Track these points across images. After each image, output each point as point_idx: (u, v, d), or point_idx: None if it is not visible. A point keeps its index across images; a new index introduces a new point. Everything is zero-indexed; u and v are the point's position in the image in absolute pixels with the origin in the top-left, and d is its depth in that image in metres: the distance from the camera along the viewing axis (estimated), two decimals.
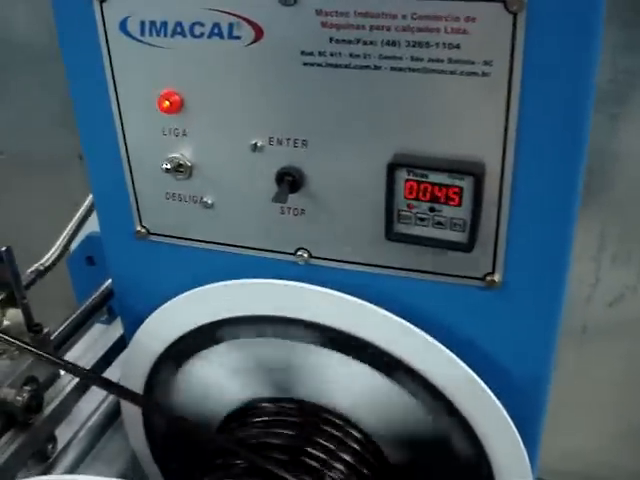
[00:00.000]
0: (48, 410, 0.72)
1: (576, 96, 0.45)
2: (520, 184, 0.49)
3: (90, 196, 0.88)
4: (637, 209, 1.69)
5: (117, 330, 0.88)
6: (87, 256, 0.93)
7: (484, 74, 0.46)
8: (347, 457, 0.57)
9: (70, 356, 0.88)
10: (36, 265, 0.82)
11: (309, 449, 0.56)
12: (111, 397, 0.81)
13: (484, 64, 0.45)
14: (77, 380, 0.76)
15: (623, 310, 1.84)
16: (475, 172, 0.48)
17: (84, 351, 0.88)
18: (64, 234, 0.88)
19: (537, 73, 0.45)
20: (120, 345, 0.87)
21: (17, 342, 0.64)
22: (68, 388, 0.76)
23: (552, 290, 0.52)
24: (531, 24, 0.43)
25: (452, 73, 0.46)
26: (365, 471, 0.57)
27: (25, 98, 2.15)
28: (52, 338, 0.81)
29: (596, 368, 1.93)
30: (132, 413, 0.72)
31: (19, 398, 0.67)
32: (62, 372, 0.76)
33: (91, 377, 0.70)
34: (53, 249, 0.86)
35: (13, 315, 0.70)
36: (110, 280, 0.88)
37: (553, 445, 2.13)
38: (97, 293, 0.87)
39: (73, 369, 0.66)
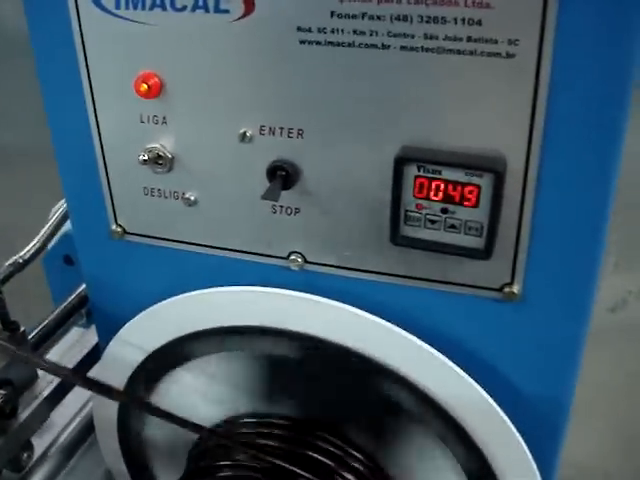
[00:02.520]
0: (23, 416, 0.68)
1: (614, 85, 0.39)
2: (546, 184, 0.42)
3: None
4: (638, 216, 1.65)
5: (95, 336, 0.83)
6: (64, 255, 0.86)
7: (509, 55, 0.39)
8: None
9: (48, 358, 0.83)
10: (14, 258, 0.77)
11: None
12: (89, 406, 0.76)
13: (509, 43, 0.39)
14: (55, 384, 0.72)
15: (625, 316, 1.80)
16: (495, 169, 0.42)
17: (60, 356, 0.83)
18: (45, 228, 0.82)
19: (571, 55, 0.38)
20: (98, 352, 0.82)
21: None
22: (45, 392, 0.71)
23: (578, 305, 0.46)
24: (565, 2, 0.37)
25: (472, 54, 0.40)
26: None
27: (10, 90, 2.11)
28: (33, 335, 0.76)
29: (597, 374, 1.88)
30: (106, 429, 0.65)
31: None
32: (39, 376, 0.72)
33: (72, 376, 0.64)
34: (32, 243, 0.80)
35: None
36: None
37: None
38: (75, 294, 0.82)
39: (53, 368, 0.60)
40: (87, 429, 0.76)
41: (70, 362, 0.79)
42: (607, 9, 0.37)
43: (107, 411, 0.63)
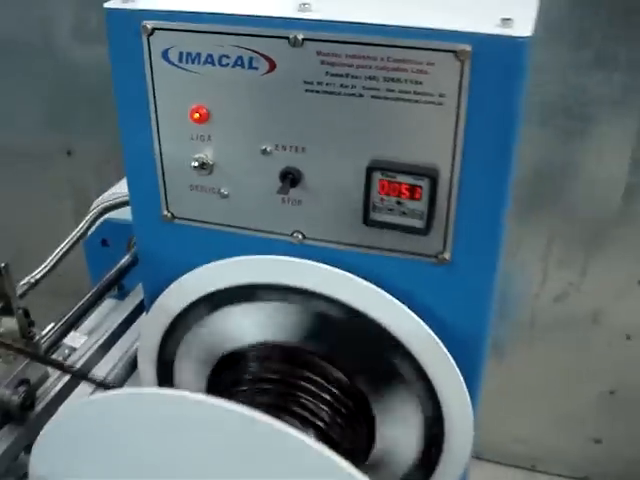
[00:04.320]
0: (40, 407, 0.82)
1: (505, 123, 0.62)
2: (464, 185, 0.65)
3: (86, 217, 1.00)
4: (581, 217, 1.88)
5: (127, 305, 1.04)
6: (102, 239, 1.07)
7: (439, 103, 0.62)
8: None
9: (85, 327, 1.03)
10: (27, 278, 0.90)
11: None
12: None
13: (439, 96, 0.62)
14: (66, 379, 0.85)
15: (567, 305, 2.03)
16: (432, 175, 0.65)
17: (97, 323, 1.04)
18: (57, 251, 0.95)
19: (477, 105, 0.61)
20: (129, 318, 1.02)
21: (17, 347, 0.76)
22: (57, 387, 0.85)
23: (488, 265, 0.69)
24: (474, 70, 0.60)
25: (416, 102, 0.63)
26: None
27: (15, 96, 2.28)
28: (76, 308, 0.96)
29: (544, 359, 2.12)
30: (147, 359, 0.87)
31: (14, 397, 0.78)
32: (50, 374, 0.85)
33: (78, 374, 0.83)
34: (45, 264, 0.93)
35: (8, 323, 0.80)
36: (123, 260, 1.04)
37: (504, 431, 2.33)
38: (112, 271, 1.03)
39: (65, 368, 0.81)
40: None
41: (107, 328, 1.00)
42: (499, 82, 0.60)
43: (151, 342, 0.84)
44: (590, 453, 2.24)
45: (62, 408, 0.76)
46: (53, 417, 0.65)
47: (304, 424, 0.71)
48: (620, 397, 2.15)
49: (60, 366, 0.84)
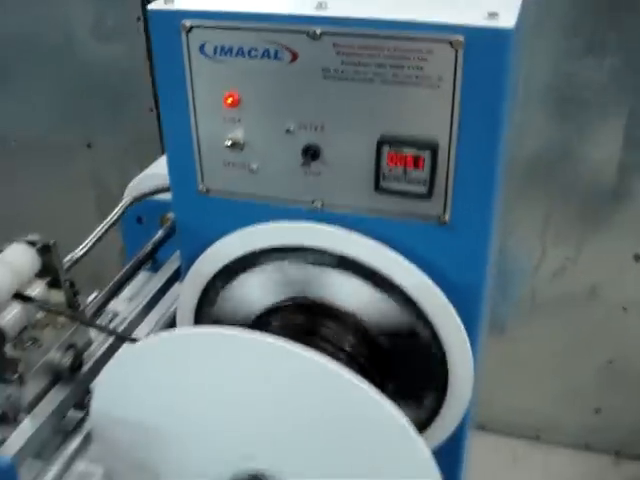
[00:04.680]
0: (86, 368, 0.89)
1: (493, 101, 0.73)
2: (460, 156, 0.77)
3: (119, 205, 1.08)
4: (577, 195, 1.99)
5: (162, 275, 1.15)
6: (137, 216, 1.19)
7: (438, 86, 0.74)
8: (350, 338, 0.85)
9: (124, 295, 1.14)
10: (70, 255, 0.97)
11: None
12: None
13: (438, 79, 0.73)
14: (109, 343, 0.92)
15: (565, 280, 2.14)
16: (432, 147, 0.76)
17: (134, 292, 1.15)
18: (95, 233, 1.03)
19: (470, 86, 0.73)
20: (164, 287, 1.13)
21: (69, 314, 0.86)
22: (101, 350, 0.92)
23: (482, 225, 0.80)
24: (466, 56, 0.71)
25: (417, 85, 0.74)
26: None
27: (37, 92, 2.39)
28: (117, 278, 1.07)
29: (544, 332, 2.24)
30: (186, 316, 0.98)
31: (64, 360, 0.84)
32: (94, 338, 0.93)
33: (121, 335, 0.92)
34: (84, 244, 1.00)
35: (56, 295, 0.87)
36: (156, 235, 1.15)
37: (507, 403, 2.45)
38: (147, 245, 1.14)
39: (109, 331, 0.91)
40: None
41: (144, 296, 1.11)
42: (488, 68, 0.71)
43: (188, 303, 0.96)
44: (590, 422, 2.35)
45: (122, 349, 0.86)
46: (113, 357, 0.76)
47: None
48: (618, 368, 2.26)
49: (104, 329, 0.94)
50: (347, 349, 0.85)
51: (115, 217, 1.06)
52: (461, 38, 0.71)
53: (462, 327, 0.84)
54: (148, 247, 1.13)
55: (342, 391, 0.69)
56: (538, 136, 1.94)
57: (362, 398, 0.68)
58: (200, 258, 0.92)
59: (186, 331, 0.75)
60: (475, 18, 0.71)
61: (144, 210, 1.17)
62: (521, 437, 2.44)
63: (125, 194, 1.18)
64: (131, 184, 1.20)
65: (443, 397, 0.91)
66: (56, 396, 0.84)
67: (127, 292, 1.13)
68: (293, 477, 0.74)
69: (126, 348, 0.78)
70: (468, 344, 0.86)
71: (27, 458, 0.78)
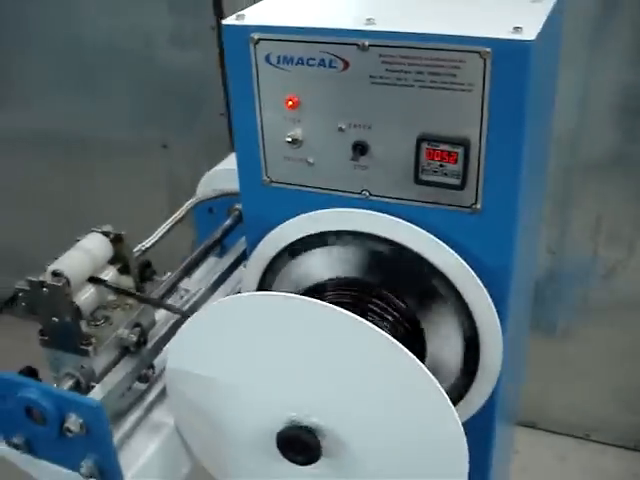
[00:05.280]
0: (150, 345, 1.00)
1: (517, 105, 0.84)
2: (490, 152, 0.87)
3: (187, 202, 1.22)
4: (629, 197, 2.04)
5: (228, 259, 1.28)
6: (209, 207, 1.33)
7: (469, 91, 0.85)
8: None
9: (195, 278, 1.28)
10: (139, 246, 1.09)
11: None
12: None
13: (469, 85, 0.84)
14: (171, 322, 1.04)
15: (617, 281, 2.19)
16: (465, 144, 0.87)
17: (203, 274, 1.28)
18: (162, 227, 1.15)
19: (497, 91, 0.84)
20: (229, 269, 1.26)
21: (137, 295, 0.99)
22: (164, 329, 1.04)
23: (510, 213, 0.91)
24: (493, 65, 0.82)
25: (451, 89, 0.85)
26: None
27: (120, 96, 2.58)
28: (188, 261, 1.20)
29: (597, 335, 2.29)
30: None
31: (131, 336, 0.96)
32: (157, 319, 1.04)
33: (182, 313, 1.04)
34: (152, 236, 1.12)
35: (126, 279, 1.01)
36: (225, 223, 1.29)
37: (558, 402, 2.51)
38: (216, 233, 1.27)
39: (172, 309, 1.04)
40: None
41: (211, 277, 1.24)
42: (513, 75, 0.82)
43: (251, 281, 1.09)
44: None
45: (199, 310, 0.98)
46: (190, 318, 0.89)
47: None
48: None
49: (169, 307, 1.06)
50: (390, 321, 0.97)
51: (181, 215, 1.20)
52: (488, 49, 0.82)
53: (492, 305, 0.95)
54: (216, 234, 1.27)
55: (387, 357, 0.80)
56: (593, 140, 2.01)
57: (406, 365, 0.80)
58: (262, 241, 1.05)
59: (250, 295, 0.88)
60: (502, 31, 0.82)
61: (215, 202, 1.31)
62: (572, 436, 2.49)
63: (197, 188, 1.33)
64: (202, 179, 1.34)
65: (475, 369, 1.01)
66: (123, 367, 0.96)
67: (197, 274, 1.28)
68: (336, 430, 0.86)
69: (197, 312, 0.91)
70: (498, 321, 0.96)
71: None
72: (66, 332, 0.91)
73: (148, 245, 1.11)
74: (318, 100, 0.93)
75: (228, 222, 1.29)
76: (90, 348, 0.92)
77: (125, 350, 0.98)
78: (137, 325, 0.99)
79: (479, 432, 1.07)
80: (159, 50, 2.39)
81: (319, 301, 0.81)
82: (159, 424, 0.98)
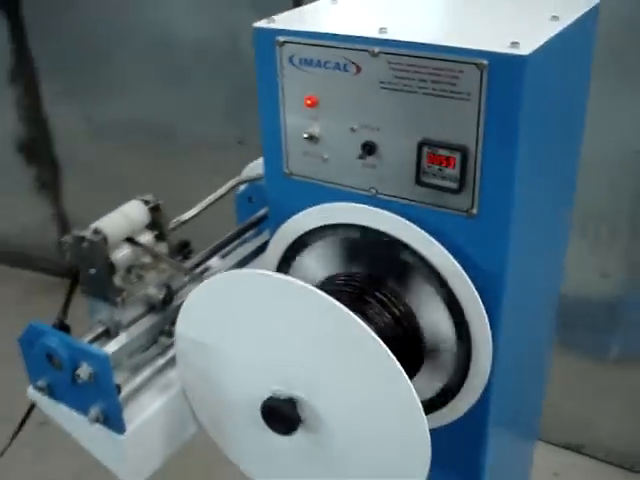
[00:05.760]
0: (176, 303, 1.10)
1: (511, 115, 0.88)
2: (485, 160, 0.92)
3: (229, 182, 1.31)
4: None
5: (257, 241, 1.36)
6: (249, 196, 1.42)
7: (467, 99, 0.90)
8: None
9: (237, 253, 1.35)
10: (177, 218, 1.17)
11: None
12: None
13: (467, 94, 0.90)
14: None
15: None
16: (462, 150, 0.93)
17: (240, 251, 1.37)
18: (205, 201, 1.25)
19: (492, 101, 0.88)
20: (257, 250, 1.34)
21: (162, 256, 1.09)
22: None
23: (504, 219, 0.95)
24: (490, 76, 0.87)
25: (451, 98, 0.91)
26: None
27: (204, 93, 2.72)
28: (216, 244, 1.29)
29: None
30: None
31: (159, 294, 1.07)
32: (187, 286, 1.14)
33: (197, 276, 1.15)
34: (191, 211, 1.21)
35: (161, 246, 1.11)
36: (261, 211, 1.37)
37: (605, 429, 2.47)
38: (251, 219, 1.36)
39: (195, 275, 1.14)
40: None
41: (233, 259, 1.32)
42: (508, 86, 0.87)
43: (269, 265, 1.17)
44: None
45: (205, 280, 1.07)
46: (197, 287, 0.98)
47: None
48: None
49: (192, 273, 1.14)
50: (389, 312, 1.03)
51: (222, 193, 1.29)
52: (485, 61, 0.87)
53: (481, 305, 0.99)
54: (251, 220, 1.36)
55: (359, 341, 0.87)
56: None
57: (373, 347, 0.86)
58: (280, 228, 1.14)
59: (247, 272, 0.96)
60: (499, 45, 0.87)
61: (254, 191, 1.40)
62: (617, 466, 2.45)
63: (242, 172, 1.42)
64: (249, 165, 1.43)
65: (466, 373, 1.06)
66: (148, 321, 1.08)
67: (239, 251, 1.36)
68: (316, 402, 0.93)
69: (203, 283, 1.00)
70: (487, 323, 1.00)
71: (121, 362, 1.03)
72: (100, 283, 1.03)
73: (186, 218, 1.21)
74: (333, 101, 1.00)
75: (264, 210, 1.37)
76: (119, 299, 1.03)
77: (152, 307, 1.08)
78: (166, 286, 1.09)
79: (471, 433, 1.12)
80: (243, 48, 2.50)
81: (297, 280, 0.88)
82: (169, 384, 1.07)
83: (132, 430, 0.99)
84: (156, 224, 1.11)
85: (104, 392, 0.95)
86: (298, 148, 1.07)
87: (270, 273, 0.92)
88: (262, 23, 1.03)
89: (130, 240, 1.06)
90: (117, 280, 1.04)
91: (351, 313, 0.85)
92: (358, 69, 0.96)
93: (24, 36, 2.91)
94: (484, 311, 1.00)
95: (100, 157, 3.01)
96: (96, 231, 1.01)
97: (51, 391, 1.01)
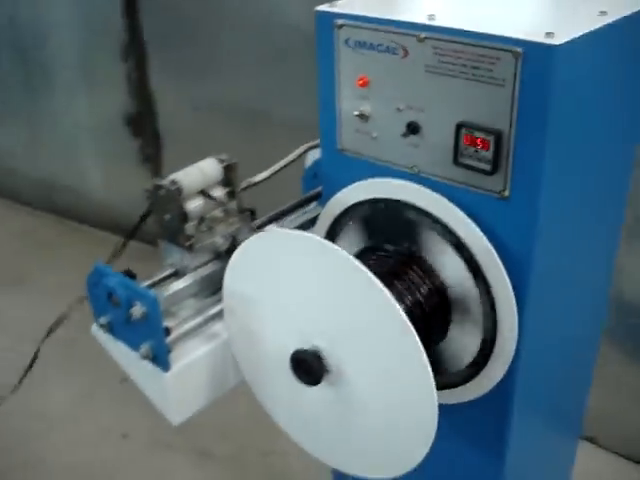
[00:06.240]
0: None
1: (542, 101, 0.93)
2: (517, 145, 0.97)
3: (298, 149, 1.41)
4: None
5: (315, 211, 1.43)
6: (314, 173, 1.50)
7: (502, 85, 0.95)
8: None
9: (293, 221, 1.44)
10: (248, 179, 1.30)
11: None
12: None
13: (502, 80, 0.95)
14: None
15: None
16: (497, 134, 0.97)
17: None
18: (276, 166, 1.37)
19: (525, 87, 0.93)
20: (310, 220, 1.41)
21: (230, 209, 1.21)
22: None
23: (535, 201, 0.99)
24: (524, 65, 0.92)
25: (488, 83, 0.96)
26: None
27: (299, 78, 2.82)
28: (276, 211, 1.38)
29: None
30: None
31: (225, 244, 1.19)
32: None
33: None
34: (263, 174, 1.34)
35: (232, 202, 1.23)
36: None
37: None
38: (313, 192, 1.44)
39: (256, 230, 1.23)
40: None
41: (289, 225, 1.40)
42: (540, 73, 0.91)
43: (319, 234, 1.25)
44: None
45: (252, 236, 1.15)
46: (244, 242, 1.08)
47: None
48: None
49: (255, 229, 1.25)
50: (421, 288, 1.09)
51: (293, 157, 1.39)
52: (519, 49, 0.91)
53: (508, 282, 1.03)
54: (312, 193, 1.44)
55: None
56: None
57: (384, 302, 0.93)
58: (330, 200, 1.21)
59: (287, 231, 1.05)
60: (534, 35, 0.91)
61: (319, 168, 1.49)
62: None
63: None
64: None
65: (491, 348, 1.10)
66: (212, 267, 1.20)
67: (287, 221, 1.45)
68: (339, 356, 1.00)
69: (249, 239, 1.09)
70: (514, 301, 1.05)
71: (180, 302, 1.14)
72: (173, 229, 1.17)
73: (258, 180, 1.34)
74: (382, 82, 1.07)
75: None
76: (188, 244, 1.16)
77: (217, 255, 1.20)
78: (232, 237, 1.21)
79: (497, 409, 1.17)
80: None
81: (328, 242, 0.96)
82: (217, 334, 1.17)
83: (176, 370, 1.09)
84: (229, 182, 1.23)
85: (153, 331, 1.06)
86: (350, 126, 1.14)
87: (306, 234, 1.00)
88: (324, 7, 1.11)
89: (203, 193, 1.18)
90: (189, 229, 1.17)
91: (370, 273, 0.92)
92: (406, 53, 1.03)
93: (137, 12, 3.10)
94: (511, 290, 1.04)
95: (199, 133, 3.17)
96: (173, 182, 1.15)
97: (110, 328, 1.13)
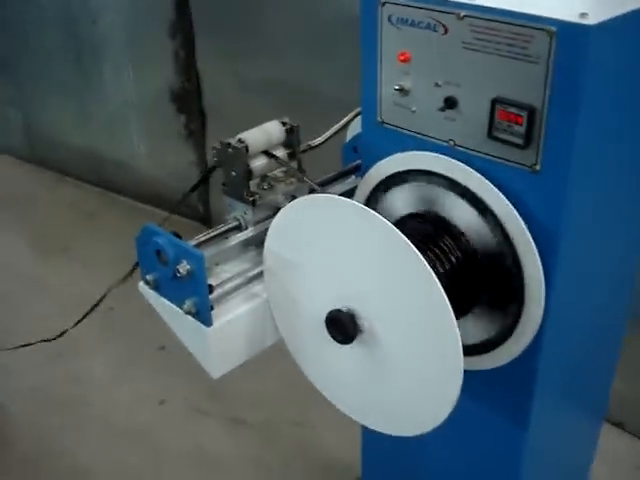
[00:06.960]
0: None
1: (574, 78, 0.97)
2: (549, 121, 1.01)
3: (351, 113, 1.48)
4: None
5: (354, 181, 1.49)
6: (353, 146, 1.56)
7: (536, 62, 0.99)
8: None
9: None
10: (308, 142, 1.40)
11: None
12: None
13: (536, 57, 0.99)
14: None
15: None
16: (530, 109, 1.02)
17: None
18: (331, 130, 1.48)
19: (558, 65, 0.97)
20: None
21: (291, 167, 1.31)
22: None
23: (565, 176, 1.04)
24: (558, 43, 0.96)
25: (523, 60, 1.00)
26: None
27: (342, 60, 2.86)
28: (321, 179, 1.44)
29: None
30: None
31: (285, 202, 1.26)
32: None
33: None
34: (321, 137, 1.45)
35: (292, 163, 1.33)
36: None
37: None
38: (353, 164, 1.50)
39: (314, 188, 1.30)
40: None
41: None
42: (574, 51, 0.95)
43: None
44: None
45: (293, 201, 1.18)
46: (284, 207, 1.14)
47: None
48: None
49: (314, 187, 1.33)
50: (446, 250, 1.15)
51: (346, 121, 1.48)
52: (554, 29, 0.96)
53: (536, 252, 1.08)
54: (350, 166, 1.51)
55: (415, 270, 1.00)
56: None
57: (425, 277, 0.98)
58: (370, 171, 1.27)
59: (326, 196, 1.11)
60: (569, 15, 0.95)
61: (358, 142, 1.54)
62: None
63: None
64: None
65: (519, 316, 1.15)
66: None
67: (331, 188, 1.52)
68: (371, 317, 1.06)
69: (290, 204, 1.15)
70: (541, 271, 1.09)
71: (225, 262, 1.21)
72: (238, 185, 1.27)
73: (316, 143, 1.44)
74: (422, 57, 1.12)
75: None
76: (251, 199, 1.26)
77: (277, 211, 1.25)
78: (292, 196, 1.31)
79: (523, 377, 1.21)
80: None
81: (365, 207, 1.02)
82: (257, 294, 1.24)
83: (218, 325, 1.17)
84: (290, 144, 1.33)
85: (198, 287, 1.13)
86: (390, 99, 1.20)
87: (349, 200, 1.06)
88: None
89: (267, 153, 1.25)
90: (252, 186, 1.27)
91: (402, 235, 0.98)
92: (445, 30, 1.08)
93: None
94: (539, 261, 1.09)
95: (243, 112, 3.23)
96: (240, 140, 1.25)
97: (157, 285, 1.21)
